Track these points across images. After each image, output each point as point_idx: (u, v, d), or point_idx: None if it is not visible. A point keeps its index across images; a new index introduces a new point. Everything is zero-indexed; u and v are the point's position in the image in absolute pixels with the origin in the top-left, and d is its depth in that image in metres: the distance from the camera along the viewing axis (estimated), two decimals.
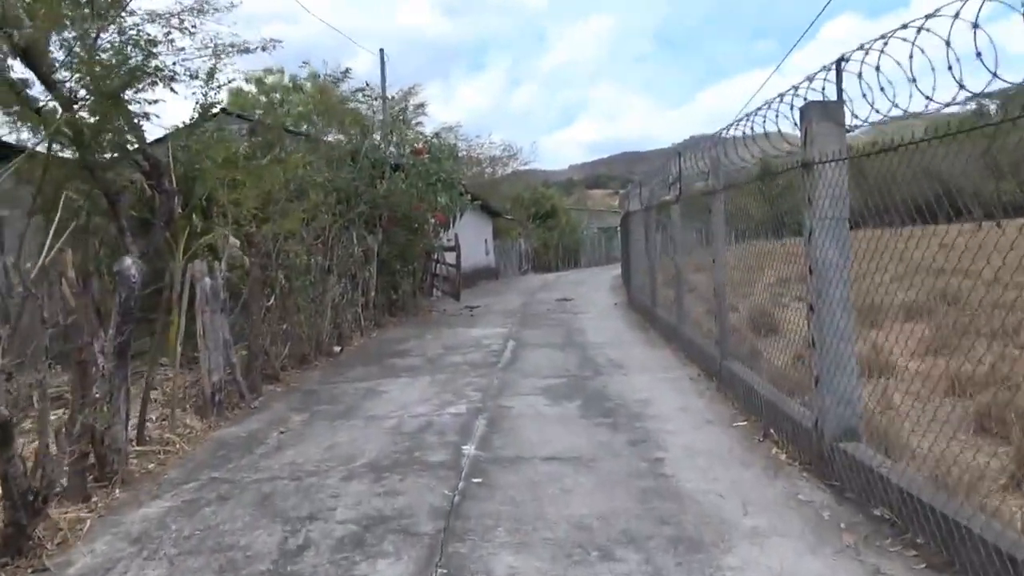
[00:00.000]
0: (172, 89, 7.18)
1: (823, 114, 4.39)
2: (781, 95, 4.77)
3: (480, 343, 10.69)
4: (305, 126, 13.73)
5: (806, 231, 4.52)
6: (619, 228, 28.49)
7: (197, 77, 7.46)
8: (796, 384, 5.34)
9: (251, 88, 18.54)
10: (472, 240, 26.30)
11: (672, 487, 4.34)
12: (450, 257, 18.65)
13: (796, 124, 4.59)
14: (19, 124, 7.24)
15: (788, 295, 7.14)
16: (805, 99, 4.49)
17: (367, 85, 14.72)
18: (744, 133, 5.95)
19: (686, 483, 4.39)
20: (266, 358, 8.31)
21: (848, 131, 4.28)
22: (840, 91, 4.25)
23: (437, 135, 15.23)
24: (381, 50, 19.92)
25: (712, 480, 4.43)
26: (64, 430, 4.52)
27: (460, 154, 40.83)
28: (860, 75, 3.69)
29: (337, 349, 10.46)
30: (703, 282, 10.37)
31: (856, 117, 3.97)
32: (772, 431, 5.29)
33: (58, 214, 5.70)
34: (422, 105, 31.66)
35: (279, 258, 8.74)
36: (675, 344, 9.47)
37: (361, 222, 12.70)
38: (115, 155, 7.30)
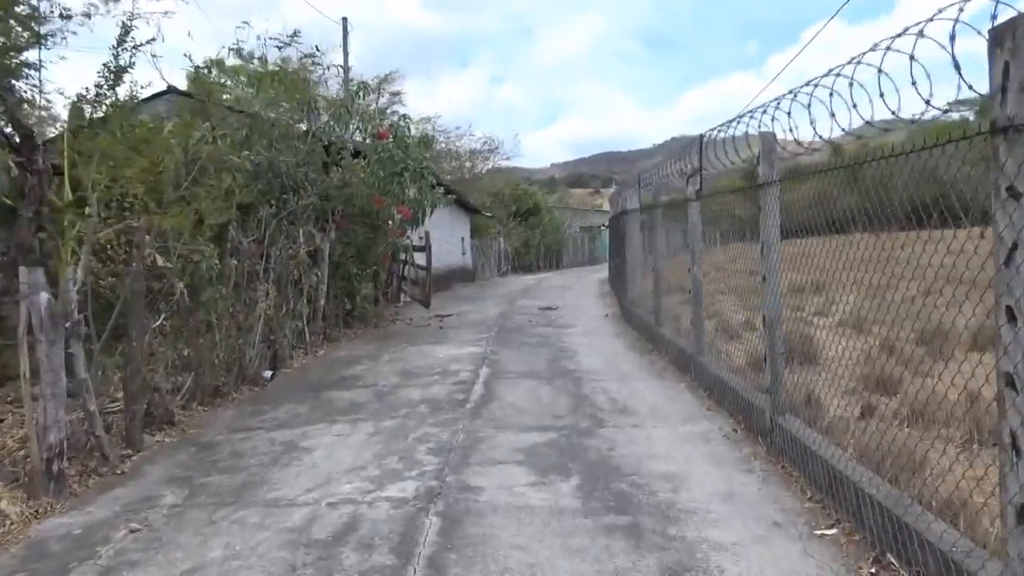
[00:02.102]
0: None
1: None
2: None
3: (447, 369, 8.64)
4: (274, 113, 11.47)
5: None
6: (608, 229, 26.58)
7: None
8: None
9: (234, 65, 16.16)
10: (447, 238, 24.23)
11: None
12: (420, 258, 16.57)
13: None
14: None
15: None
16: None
17: (317, 51, 12.53)
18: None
19: None
20: (156, 396, 6.22)
21: None
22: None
23: (404, 116, 13.12)
24: (344, 19, 17.74)
25: None
26: None
27: (439, 146, 38.82)
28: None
29: (268, 374, 8.37)
30: (732, 304, 8.44)
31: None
32: (891, 556, 3.32)
33: None
34: (399, 93, 29.61)
35: (179, 262, 6.64)
36: (691, 377, 7.51)
37: (309, 217, 10.60)
38: None
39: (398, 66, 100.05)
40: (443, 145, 38.42)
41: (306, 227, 10.55)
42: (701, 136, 7.49)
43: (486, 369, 8.50)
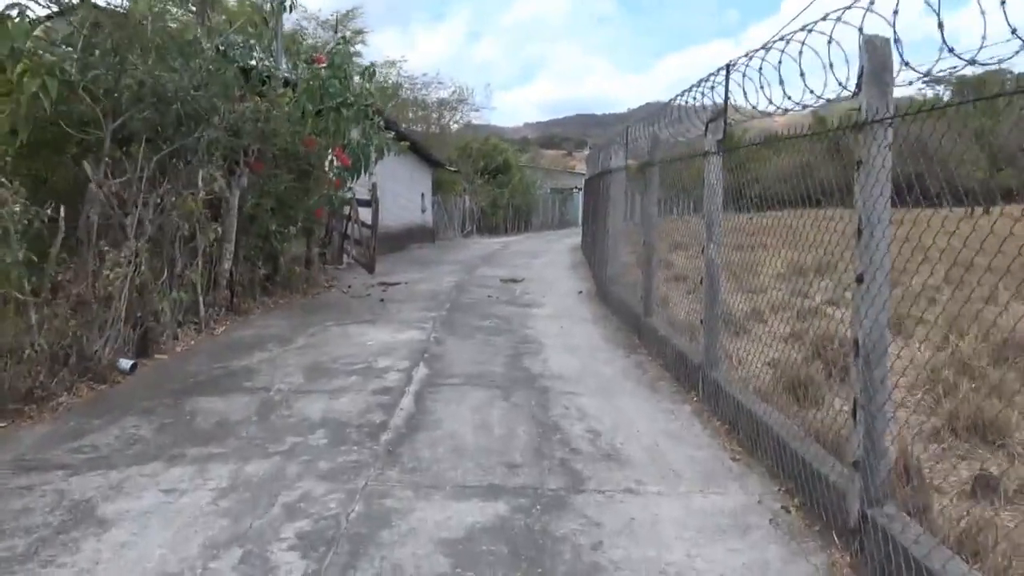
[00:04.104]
0: None
1: None
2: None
3: (372, 365, 6.52)
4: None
5: None
6: (583, 192, 24.48)
7: None
8: None
9: None
10: (404, 193, 21.87)
11: None
12: (367, 215, 14.28)
13: None
14: None
15: None
16: None
17: None
18: None
19: None
20: None
21: None
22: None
23: (344, 39, 10.61)
24: None
25: None
26: None
27: (404, 94, 35.95)
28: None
29: (126, 365, 6.15)
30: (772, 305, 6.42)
31: None
32: None
33: None
34: (361, 32, 26.78)
35: None
36: (698, 396, 5.52)
37: (212, 156, 8.26)
38: None
39: (371, 17, 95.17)
40: (409, 94, 35.66)
41: (206, 169, 8.23)
42: (728, 65, 5.39)
43: (424, 369, 6.39)
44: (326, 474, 3.98)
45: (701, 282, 5.69)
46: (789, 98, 4.09)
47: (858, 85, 3.23)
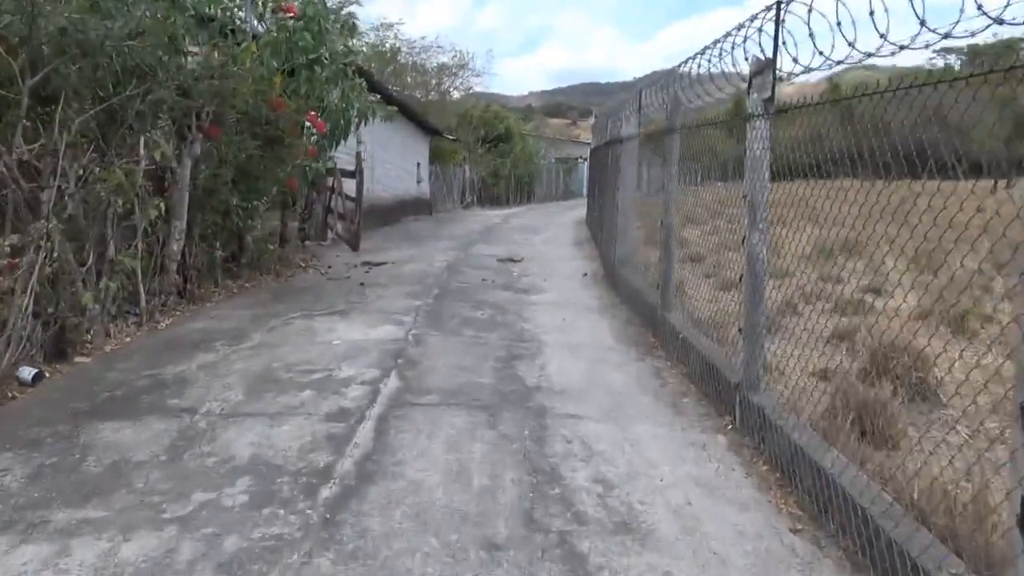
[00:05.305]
0: None
1: None
2: None
3: (333, 375, 5.36)
4: None
5: None
6: (588, 162, 23.16)
7: None
8: None
9: None
10: (398, 163, 20.59)
11: None
12: (352, 186, 13.05)
13: None
14: None
15: None
16: None
17: None
18: None
19: None
20: None
21: None
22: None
23: None
24: None
25: None
26: None
27: (403, 59, 34.34)
28: None
29: (27, 375, 5.01)
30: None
31: None
32: None
33: None
34: None
35: None
36: (734, 420, 4.38)
37: (155, 120, 7.05)
38: None
39: None
40: (408, 59, 34.08)
41: (150, 135, 7.01)
42: (778, 3, 4.17)
43: (394, 380, 5.23)
44: (230, 561, 2.84)
45: (741, 280, 4.50)
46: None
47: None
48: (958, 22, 2.59)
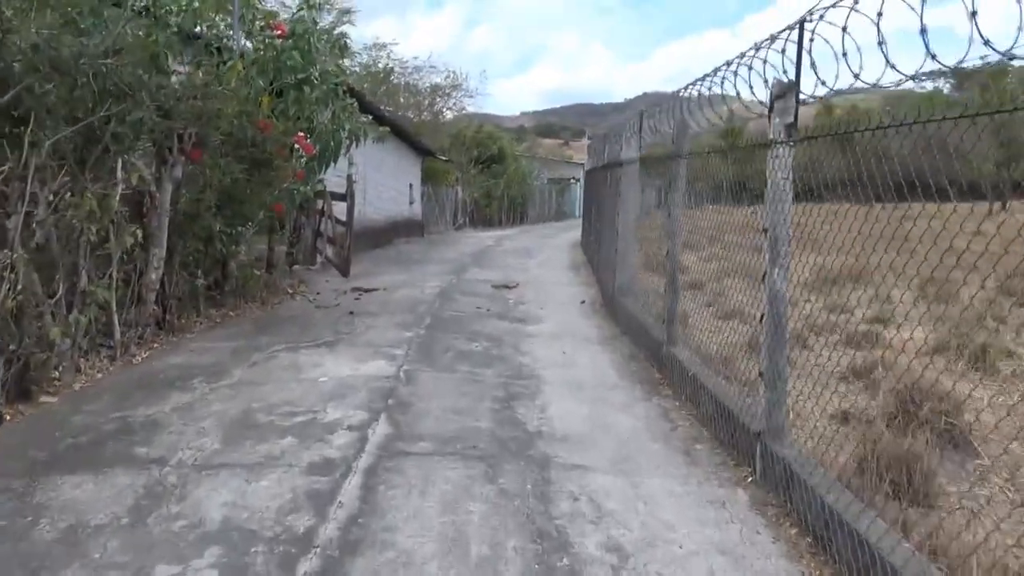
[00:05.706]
0: None
1: None
2: None
3: (317, 418, 4.96)
4: None
5: None
6: (584, 184, 22.89)
7: None
8: None
9: None
10: (390, 184, 20.27)
11: None
12: (343, 210, 12.69)
13: None
14: None
15: None
16: None
17: None
18: None
19: None
20: None
21: None
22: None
23: (308, 3, 8.90)
24: None
25: None
26: None
27: (395, 80, 34.15)
28: None
29: None
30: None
31: None
32: None
33: None
34: (349, 12, 25.00)
35: None
36: (755, 472, 4.01)
37: (134, 142, 6.69)
38: None
39: (369, 4, 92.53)
40: (400, 79, 33.87)
41: (127, 157, 6.64)
42: (802, 21, 3.89)
43: (384, 425, 4.83)
44: None
45: (762, 319, 4.15)
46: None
47: None
48: (966, 56, 2.56)
